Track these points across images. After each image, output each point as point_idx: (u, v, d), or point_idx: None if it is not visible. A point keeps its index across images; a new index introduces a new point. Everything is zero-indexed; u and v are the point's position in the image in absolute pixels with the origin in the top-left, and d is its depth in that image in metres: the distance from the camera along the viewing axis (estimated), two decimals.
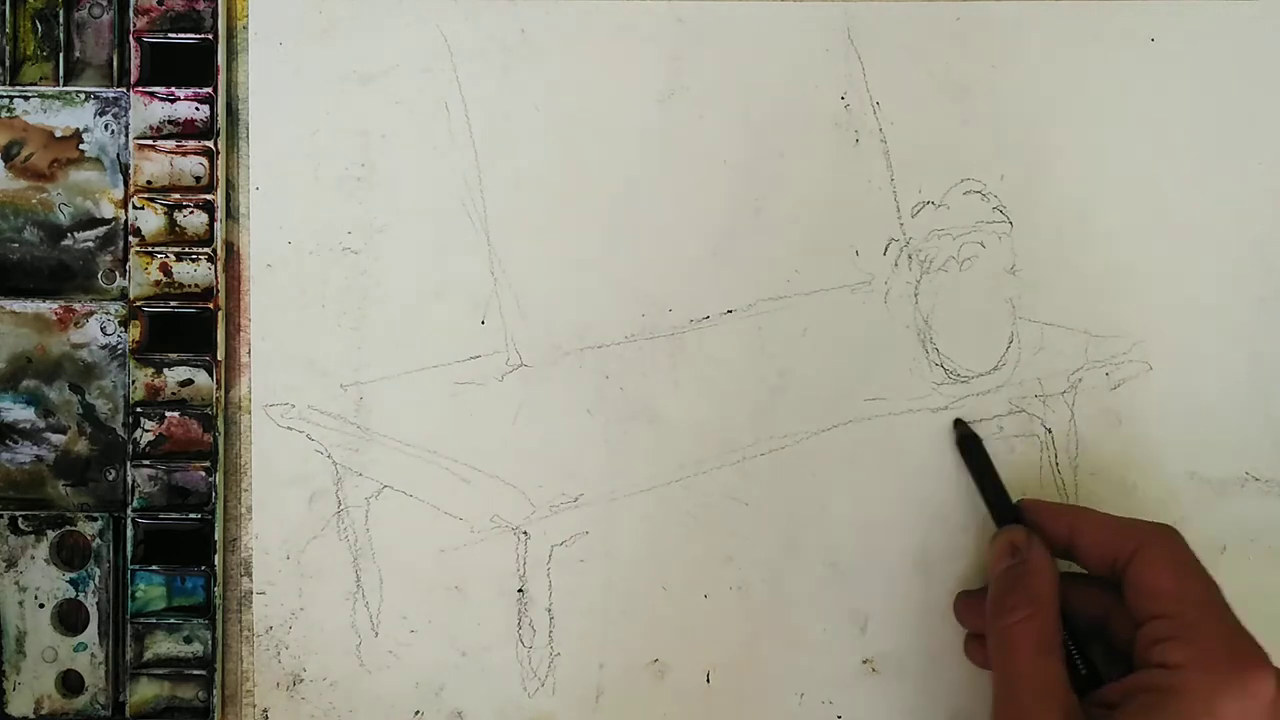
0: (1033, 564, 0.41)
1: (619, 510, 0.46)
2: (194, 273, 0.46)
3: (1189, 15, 0.46)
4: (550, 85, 0.46)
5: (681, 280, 0.46)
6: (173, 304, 0.46)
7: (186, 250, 0.46)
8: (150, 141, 0.46)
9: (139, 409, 0.46)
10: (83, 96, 0.46)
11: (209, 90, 0.46)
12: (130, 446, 0.46)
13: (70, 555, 0.46)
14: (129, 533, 0.46)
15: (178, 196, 0.46)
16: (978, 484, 0.45)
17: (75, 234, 0.46)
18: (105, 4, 0.46)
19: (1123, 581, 0.40)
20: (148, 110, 0.46)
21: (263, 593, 0.47)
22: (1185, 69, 0.46)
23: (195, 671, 0.46)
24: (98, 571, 0.46)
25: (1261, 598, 0.46)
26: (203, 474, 0.46)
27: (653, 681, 0.47)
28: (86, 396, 0.46)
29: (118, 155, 0.46)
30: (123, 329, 0.46)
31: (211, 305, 0.46)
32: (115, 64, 0.46)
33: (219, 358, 0.46)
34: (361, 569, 0.46)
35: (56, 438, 0.46)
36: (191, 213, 0.46)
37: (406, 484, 0.46)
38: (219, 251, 0.46)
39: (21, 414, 0.46)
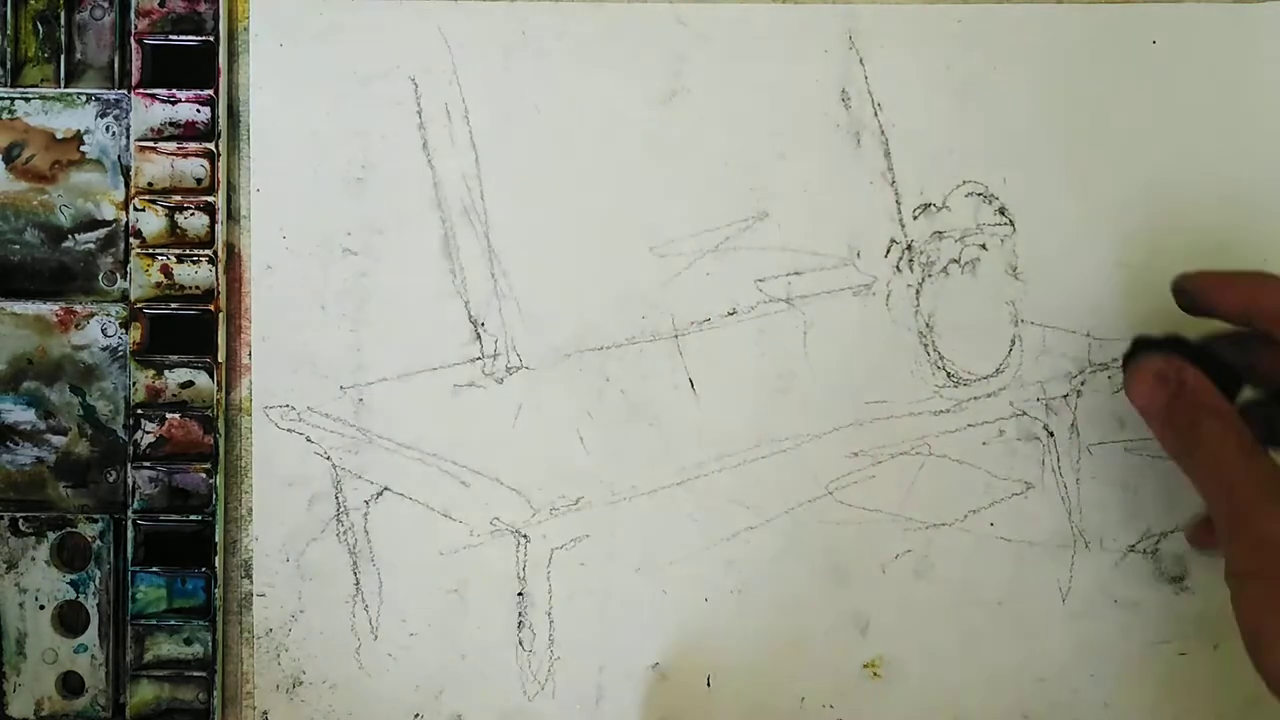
0: (1192, 384, 0.40)
1: (619, 513, 0.46)
2: (195, 274, 0.46)
3: (1191, 17, 0.46)
4: (550, 85, 0.46)
5: (682, 282, 0.46)
6: (173, 306, 0.46)
7: (187, 252, 0.46)
8: (151, 143, 0.46)
9: (140, 411, 0.46)
10: (84, 98, 0.46)
11: (210, 92, 0.46)
12: (131, 448, 0.46)
13: (71, 557, 0.46)
14: (129, 534, 0.46)
15: (179, 198, 0.46)
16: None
17: (76, 236, 0.46)
18: (106, 6, 0.46)
19: None
20: (149, 112, 0.46)
21: (263, 595, 0.46)
22: (1187, 71, 0.46)
23: (195, 673, 0.46)
24: (98, 573, 0.46)
25: None
26: (203, 476, 0.46)
27: (653, 685, 0.47)
28: (87, 398, 0.46)
29: (119, 157, 0.46)
30: (124, 331, 0.46)
31: (212, 307, 0.46)
32: (116, 66, 0.46)
33: (220, 359, 0.46)
34: (361, 571, 0.46)
35: (57, 439, 0.46)
36: (192, 214, 0.46)
37: (406, 486, 0.46)
38: (220, 253, 0.46)
39: (22, 415, 0.46)
